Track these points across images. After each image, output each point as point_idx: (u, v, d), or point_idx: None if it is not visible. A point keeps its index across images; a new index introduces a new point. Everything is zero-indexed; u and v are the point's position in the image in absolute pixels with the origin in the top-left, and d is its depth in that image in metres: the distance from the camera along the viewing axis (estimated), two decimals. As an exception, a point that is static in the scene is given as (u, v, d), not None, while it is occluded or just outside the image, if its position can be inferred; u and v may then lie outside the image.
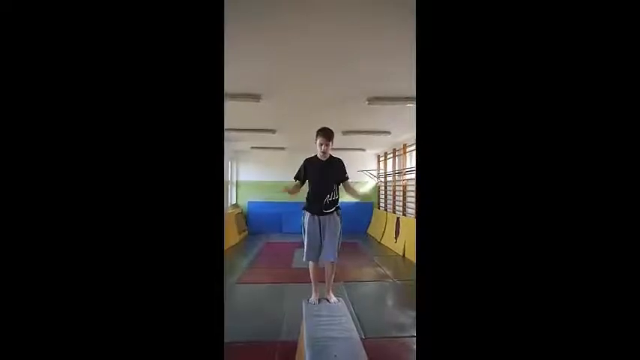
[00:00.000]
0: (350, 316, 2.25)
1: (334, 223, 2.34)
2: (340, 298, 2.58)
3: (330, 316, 2.18)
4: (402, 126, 5.84)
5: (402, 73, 3.12)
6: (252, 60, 2.81)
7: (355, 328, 2.05)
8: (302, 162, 2.49)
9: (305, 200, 2.42)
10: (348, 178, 2.42)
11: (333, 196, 2.33)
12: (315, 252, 2.35)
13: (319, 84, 3.48)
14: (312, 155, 2.42)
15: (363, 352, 1.72)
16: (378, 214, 9.55)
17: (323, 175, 2.32)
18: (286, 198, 11.80)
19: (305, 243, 2.36)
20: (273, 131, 6.15)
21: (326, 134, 2.32)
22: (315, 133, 2.43)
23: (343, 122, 5.55)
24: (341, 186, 2.44)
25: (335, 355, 1.65)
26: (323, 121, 5.38)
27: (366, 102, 3.93)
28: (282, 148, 8.78)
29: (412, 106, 4.11)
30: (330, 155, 2.37)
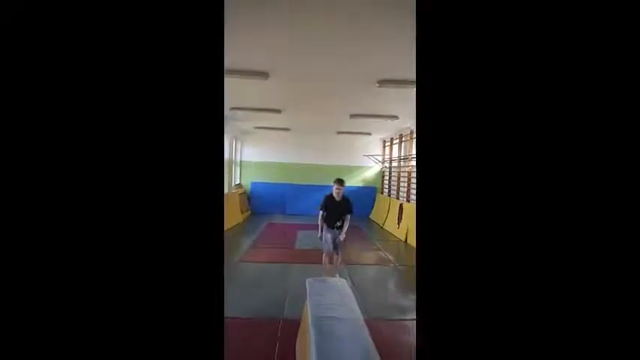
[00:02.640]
0: (353, 297, 2.27)
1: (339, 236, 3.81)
2: (344, 279, 2.60)
3: (334, 297, 2.20)
4: (410, 111, 5.74)
5: (413, 56, 3.03)
6: (262, 36, 2.73)
7: (359, 309, 2.07)
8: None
9: (324, 219, 3.80)
10: (351, 213, 3.75)
11: (340, 223, 3.74)
12: (328, 248, 3.80)
13: (330, 64, 3.39)
14: (330, 194, 3.71)
15: (367, 332, 1.74)
16: (381, 200, 9.56)
17: (335, 211, 3.72)
18: (290, 180, 11.79)
19: (323, 243, 3.85)
20: (278, 111, 6.07)
21: (339, 183, 3.65)
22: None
23: (351, 105, 5.47)
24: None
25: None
26: (331, 102, 5.33)
27: (377, 84, 3.84)
28: (287, 129, 8.71)
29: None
30: (343, 196, 3.66)
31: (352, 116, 6.23)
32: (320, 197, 3.80)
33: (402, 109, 5.67)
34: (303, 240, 6.33)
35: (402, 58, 3.09)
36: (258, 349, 2.50)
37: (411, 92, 4.15)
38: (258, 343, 2.59)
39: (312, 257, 5.04)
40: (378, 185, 10.19)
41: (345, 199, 3.68)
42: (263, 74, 3.67)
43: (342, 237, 3.69)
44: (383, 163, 9.96)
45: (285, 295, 3.52)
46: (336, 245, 3.75)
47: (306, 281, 2.50)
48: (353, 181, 10.02)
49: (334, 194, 3.63)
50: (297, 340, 2.48)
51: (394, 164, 9.02)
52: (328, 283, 2.49)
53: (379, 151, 10.14)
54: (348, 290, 2.38)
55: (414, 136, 7.54)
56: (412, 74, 3.77)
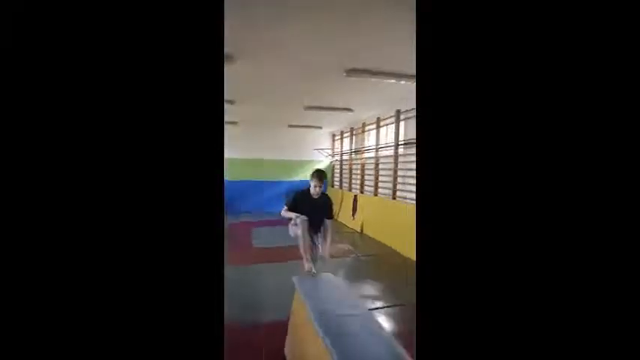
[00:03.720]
0: (348, 290, 2.19)
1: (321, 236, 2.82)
2: (330, 273, 2.51)
3: (329, 292, 2.10)
4: (366, 103, 5.84)
5: (384, 46, 3.03)
6: (226, 11, 2.46)
7: (358, 302, 2.00)
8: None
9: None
10: (331, 217, 2.82)
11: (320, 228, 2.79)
12: (305, 241, 2.68)
13: (297, 49, 3.22)
14: (305, 189, 2.71)
15: (379, 324, 1.68)
16: (332, 193, 9.62)
17: (314, 211, 2.69)
18: (238, 176, 11.07)
19: (300, 234, 2.67)
20: (231, 102, 5.68)
21: (319, 178, 2.66)
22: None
23: (308, 96, 5.36)
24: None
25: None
26: (292, 93, 5.13)
27: (344, 74, 3.79)
28: (235, 123, 8.25)
29: (384, 82, 4.08)
30: (322, 192, 2.72)
31: (307, 108, 6.12)
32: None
33: (358, 102, 5.73)
34: (259, 238, 6.08)
35: (373, 46, 3.08)
36: (245, 356, 2.29)
37: (377, 83, 4.18)
38: (243, 350, 2.37)
39: (273, 255, 4.85)
40: (329, 179, 10.27)
41: (324, 197, 2.75)
42: (227, 57, 3.34)
43: (325, 253, 2.74)
44: (333, 156, 10.05)
45: (259, 298, 3.30)
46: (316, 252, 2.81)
47: (293, 279, 2.34)
48: (303, 175, 9.93)
49: (312, 190, 2.66)
50: (287, 341, 2.32)
51: (345, 157, 9.15)
52: (318, 279, 2.37)
53: (329, 145, 10.20)
54: (341, 283, 2.29)
55: (367, 128, 7.72)
56: (383, 64, 3.74)
